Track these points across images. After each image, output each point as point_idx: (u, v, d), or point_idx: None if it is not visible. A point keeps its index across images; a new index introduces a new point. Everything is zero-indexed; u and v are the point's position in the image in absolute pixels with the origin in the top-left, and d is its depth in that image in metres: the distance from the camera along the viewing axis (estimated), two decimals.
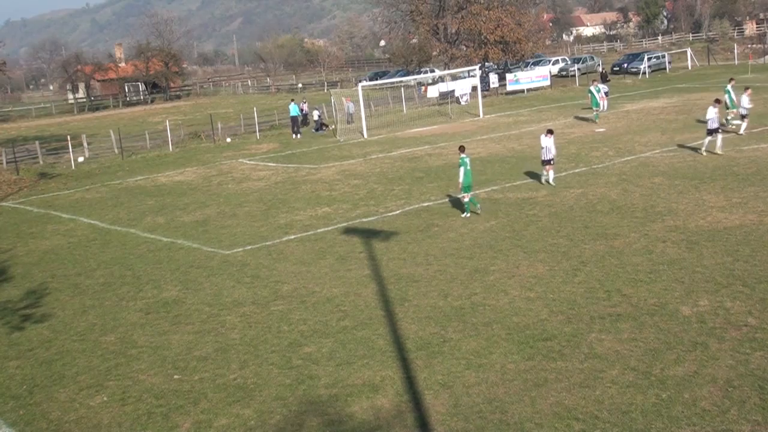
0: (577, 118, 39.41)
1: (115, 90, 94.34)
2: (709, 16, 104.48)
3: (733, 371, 10.55)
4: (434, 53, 69.44)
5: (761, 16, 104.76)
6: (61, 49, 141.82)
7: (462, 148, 21.02)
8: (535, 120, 40.83)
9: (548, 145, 22.96)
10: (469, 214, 20.54)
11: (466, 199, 20.54)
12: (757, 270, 14.34)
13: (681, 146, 28.02)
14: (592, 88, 38.45)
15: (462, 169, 20.17)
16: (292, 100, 47.10)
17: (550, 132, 23.36)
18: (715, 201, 19.67)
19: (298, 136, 43.71)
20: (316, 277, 16.63)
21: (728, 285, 13.73)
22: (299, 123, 44.56)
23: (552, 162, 23.31)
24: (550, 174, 23.43)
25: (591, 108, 38.54)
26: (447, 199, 22.94)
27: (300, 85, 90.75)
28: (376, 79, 67.80)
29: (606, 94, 41.80)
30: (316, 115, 46.97)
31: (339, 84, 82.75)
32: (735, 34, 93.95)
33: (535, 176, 25.01)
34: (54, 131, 61.52)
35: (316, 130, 46.07)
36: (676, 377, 10.53)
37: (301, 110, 47.45)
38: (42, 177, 37.10)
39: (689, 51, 71.59)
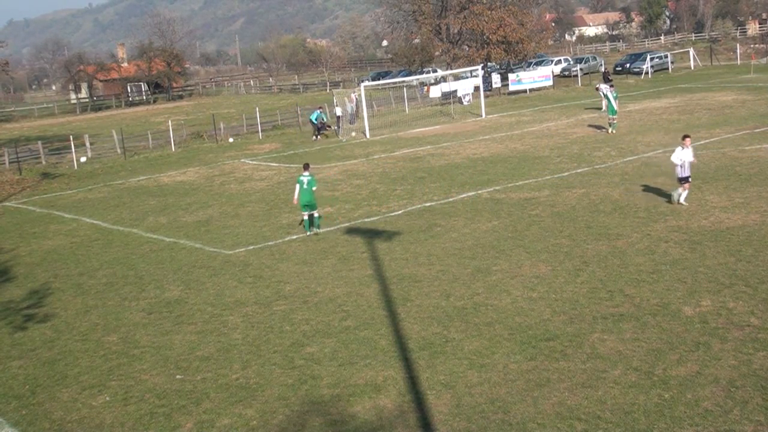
0: (591, 126, 37.71)
1: (118, 90, 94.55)
2: (711, 16, 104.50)
3: (736, 371, 10.54)
4: (437, 53, 69.46)
5: (764, 16, 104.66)
6: (64, 49, 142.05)
7: (306, 166, 20.34)
8: (538, 120, 40.80)
9: (687, 158, 19.27)
10: (311, 233, 20.14)
11: (306, 217, 20.22)
12: (759, 270, 14.32)
13: None
14: (609, 93, 34.40)
15: (298, 187, 19.80)
16: (319, 108, 45.92)
17: (686, 137, 19.48)
18: (718, 201, 19.64)
19: (317, 137, 43.25)
20: (319, 277, 16.63)
21: (731, 285, 13.71)
22: (318, 127, 44.01)
23: (689, 179, 19.54)
24: (683, 193, 19.58)
25: (599, 109, 37.74)
26: (449, 199, 22.93)
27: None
28: (379, 79, 67.78)
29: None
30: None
31: (341, 84, 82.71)
32: (738, 34, 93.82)
33: (536, 175, 24.99)
34: (56, 131, 61.67)
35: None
36: (678, 377, 10.52)
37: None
38: (44, 177, 37.15)
39: (692, 51, 71.49)
